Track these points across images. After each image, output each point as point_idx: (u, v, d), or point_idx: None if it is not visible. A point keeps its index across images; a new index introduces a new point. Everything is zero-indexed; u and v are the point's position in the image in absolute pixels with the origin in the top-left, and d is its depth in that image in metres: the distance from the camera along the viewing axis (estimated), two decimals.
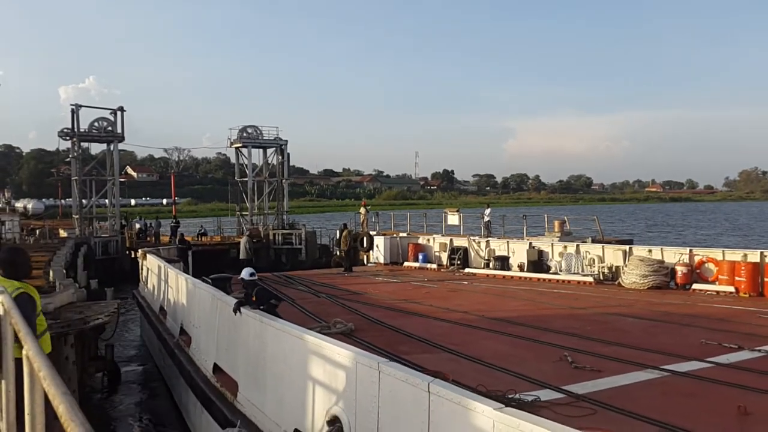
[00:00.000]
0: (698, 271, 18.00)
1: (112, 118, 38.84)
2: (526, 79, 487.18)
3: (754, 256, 16.87)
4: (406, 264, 26.30)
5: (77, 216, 38.59)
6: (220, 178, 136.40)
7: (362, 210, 32.91)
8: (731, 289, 16.73)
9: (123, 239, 37.42)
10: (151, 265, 19.19)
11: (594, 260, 20.75)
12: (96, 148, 42.72)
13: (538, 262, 22.30)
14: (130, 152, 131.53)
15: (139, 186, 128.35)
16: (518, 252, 23.38)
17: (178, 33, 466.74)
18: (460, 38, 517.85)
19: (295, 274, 24.01)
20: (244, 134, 42.82)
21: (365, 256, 28.03)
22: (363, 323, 12.71)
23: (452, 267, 24.43)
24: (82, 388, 13.12)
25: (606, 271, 20.08)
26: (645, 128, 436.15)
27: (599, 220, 28.41)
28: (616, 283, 19.15)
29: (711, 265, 17.79)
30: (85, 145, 40.53)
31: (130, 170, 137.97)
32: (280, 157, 44.03)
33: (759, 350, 9.82)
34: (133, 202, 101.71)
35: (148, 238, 40.49)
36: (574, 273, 20.80)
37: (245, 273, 9.09)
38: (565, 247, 22.13)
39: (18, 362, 2.91)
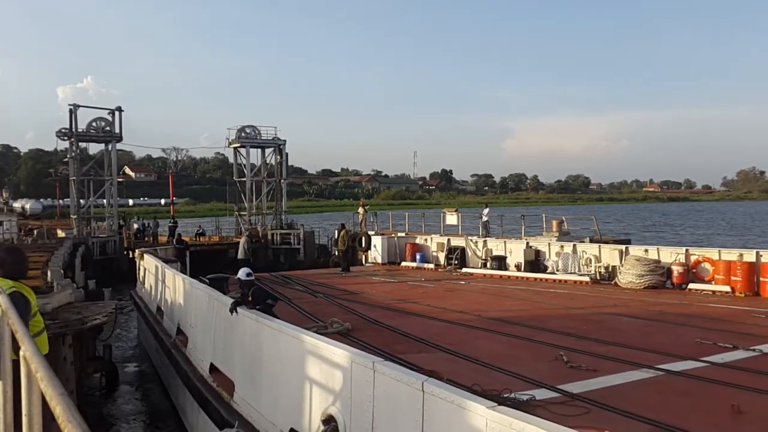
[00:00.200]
0: (694, 270, 18.07)
1: (110, 118, 38.85)
2: (525, 79, 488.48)
3: (749, 256, 16.94)
4: (403, 264, 26.34)
5: (75, 216, 38.63)
6: (218, 178, 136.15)
7: (360, 210, 32.87)
8: (727, 288, 16.80)
9: (121, 239, 37.48)
10: (148, 265, 19.19)
11: (591, 260, 20.80)
12: (94, 148, 42.87)
13: (535, 262, 22.35)
14: (128, 152, 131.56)
15: (137, 186, 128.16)
16: (515, 252, 23.41)
17: (177, 33, 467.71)
18: (460, 38, 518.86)
19: (292, 274, 24.01)
20: (243, 134, 42.86)
21: (363, 256, 28.05)
22: (360, 323, 12.75)
23: (449, 267, 24.48)
24: (80, 389, 13.08)
25: (603, 270, 20.13)
26: (644, 128, 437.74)
27: (597, 220, 28.49)
28: (613, 282, 19.22)
29: (707, 265, 17.84)
30: (83, 145, 40.64)
31: (128, 170, 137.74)
32: (278, 157, 44.06)
33: (754, 350, 9.88)
34: (131, 202, 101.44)
35: (146, 239, 40.49)
36: (571, 273, 20.86)
37: (242, 273, 9.13)
38: (562, 246, 22.17)
39: (15, 363, 2.93)
